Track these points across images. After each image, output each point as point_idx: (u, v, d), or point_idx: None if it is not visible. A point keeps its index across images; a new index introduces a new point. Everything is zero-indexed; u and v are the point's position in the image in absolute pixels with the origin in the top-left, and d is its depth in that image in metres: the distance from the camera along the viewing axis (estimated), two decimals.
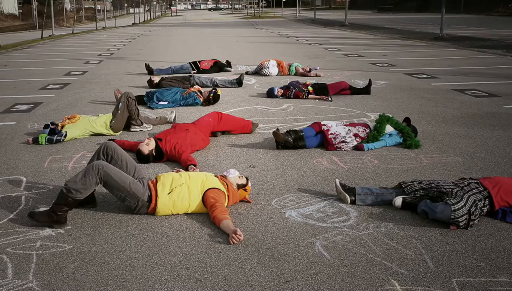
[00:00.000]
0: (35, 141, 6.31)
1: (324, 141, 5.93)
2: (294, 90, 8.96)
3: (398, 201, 4.16)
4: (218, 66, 12.80)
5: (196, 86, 9.20)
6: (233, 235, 3.66)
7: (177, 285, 3.15)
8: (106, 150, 4.31)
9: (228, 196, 4.22)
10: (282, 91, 9.09)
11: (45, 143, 6.28)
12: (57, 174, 5.23)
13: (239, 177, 4.43)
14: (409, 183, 4.30)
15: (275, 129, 6.05)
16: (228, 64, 13.01)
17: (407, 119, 6.30)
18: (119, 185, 3.97)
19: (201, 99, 8.52)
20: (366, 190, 4.34)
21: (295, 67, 11.86)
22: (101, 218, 4.12)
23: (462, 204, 3.80)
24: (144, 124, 6.96)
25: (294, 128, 6.20)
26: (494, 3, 50.59)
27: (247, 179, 4.46)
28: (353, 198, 4.31)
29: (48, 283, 3.18)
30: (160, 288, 3.12)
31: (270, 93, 9.15)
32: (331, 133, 5.91)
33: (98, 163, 3.97)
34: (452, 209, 3.78)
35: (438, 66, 13.12)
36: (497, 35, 23.06)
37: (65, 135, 6.38)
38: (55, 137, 6.31)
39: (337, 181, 4.46)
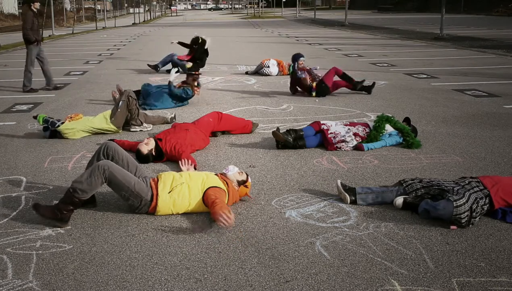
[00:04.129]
0: (35, 118, 6.50)
1: (324, 141, 5.93)
2: (312, 76, 9.09)
3: (399, 201, 4.16)
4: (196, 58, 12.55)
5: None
6: (219, 218, 3.68)
7: (177, 285, 3.15)
8: (107, 150, 4.31)
9: (228, 194, 4.22)
10: (304, 66, 9.13)
11: (42, 124, 6.42)
12: (57, 174, 5.23)
13: (238, 173, 4.42)
14: (410, 182, 4.30)
15: (275, 129, 6.05)
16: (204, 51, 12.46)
17: (407, 119, 6.30)
18: (124, 185, 3.97)
19: (193, 90, 8.43)
20: (366, 189, 4.34)
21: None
22: (101, 218, 4.12)
23: (464, 200, 3.80)
24: (144, 124, 6.96)
25: (294, 128, 6.20)
26: (494, 3, 50.60)
27: (247, 175, 4.46)
28: (353, 198, 4.31)
29: (48, 283, 3.18)
30: (160, 288, 3.12)
31: (296, 58, 9.17)
32: (331, 133, 5.91)
33: (104, 163, 3.97)
34: (455, 205, 3.78)
35: (438, 66, 13.12)
36: (497, 35, 23.08)
37: (62, 123, 6.47)
38: (52, 120, 6.43)
39: (339, 181, 4.46)
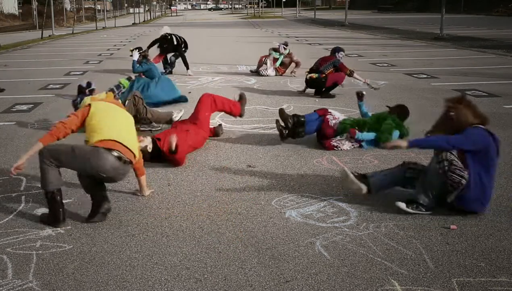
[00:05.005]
0: (118, 88, 7.17)
1: (322, 124, 5.98)
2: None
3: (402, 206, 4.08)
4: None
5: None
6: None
7: (177, 285, 3.15)
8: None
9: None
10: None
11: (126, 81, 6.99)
12: None
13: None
14: (413, 166, 4.32)
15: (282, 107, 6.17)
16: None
17: (390, 108, 6.21)
18: (68, 149, 3.92)
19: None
20: (374, 173, 4.40)
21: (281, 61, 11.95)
22: None
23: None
24: (153, 124, 6.91)
25: (298, 114, 6.20)
26: (494, 3, 50.61)
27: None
28: (368, 187, 4.26)
29: (48, 283, 3.18)
30: (160, 288, 3.12)
31: (337, 49, 9.59)
32: (330, 114, 6.03)
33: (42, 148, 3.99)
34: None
35: (438, 66, 13.12)
36: (497, 35, 23.07)
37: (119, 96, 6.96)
38: (122, 90, 7.00)
39: (347, 170, 4.38)
